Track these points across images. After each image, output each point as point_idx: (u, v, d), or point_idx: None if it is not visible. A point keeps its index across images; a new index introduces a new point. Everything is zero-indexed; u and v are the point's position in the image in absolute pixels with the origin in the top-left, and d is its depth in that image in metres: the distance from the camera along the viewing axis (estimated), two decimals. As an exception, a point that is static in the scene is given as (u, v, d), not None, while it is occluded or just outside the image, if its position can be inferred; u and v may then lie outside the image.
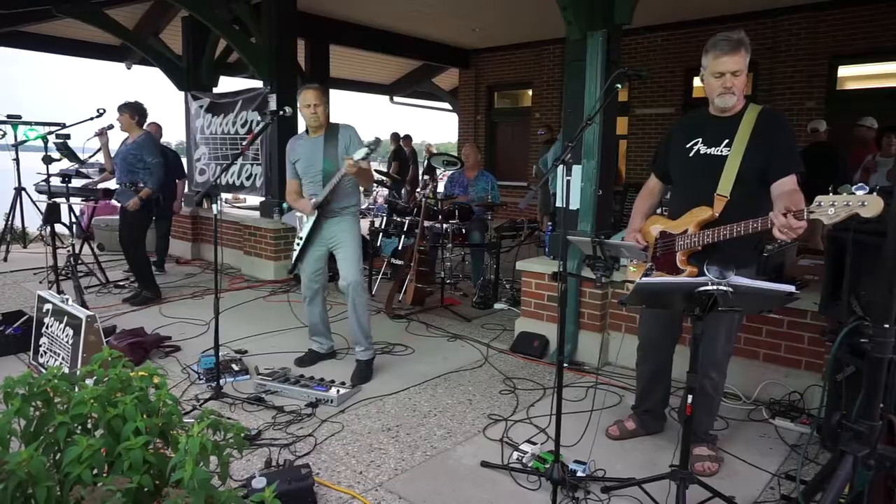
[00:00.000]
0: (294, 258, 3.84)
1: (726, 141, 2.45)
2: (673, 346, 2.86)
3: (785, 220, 2.05)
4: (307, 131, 3.73)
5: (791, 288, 1.96)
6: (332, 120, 3.74)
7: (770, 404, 3.28)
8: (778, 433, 3.02)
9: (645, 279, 2.09)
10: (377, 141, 3.54)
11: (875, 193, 1.89)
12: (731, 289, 1.95)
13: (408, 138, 12.93)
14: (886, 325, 1.70)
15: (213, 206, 3.36)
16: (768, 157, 2.37)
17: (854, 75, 7.76)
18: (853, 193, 1.92)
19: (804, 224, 2.05)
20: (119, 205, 5.30)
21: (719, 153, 2.46)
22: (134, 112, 5.17)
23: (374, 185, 8.40)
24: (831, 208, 1.95)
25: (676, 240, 2.51)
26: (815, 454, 2.78)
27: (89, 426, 1.73)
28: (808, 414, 3.14)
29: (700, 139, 2.53)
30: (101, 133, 5.42)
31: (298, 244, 3.78)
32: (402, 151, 12.52)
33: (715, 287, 1.94)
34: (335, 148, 3.61)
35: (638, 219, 2.76)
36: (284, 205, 3.90)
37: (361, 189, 3.83)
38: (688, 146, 2.56)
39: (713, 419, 2.79)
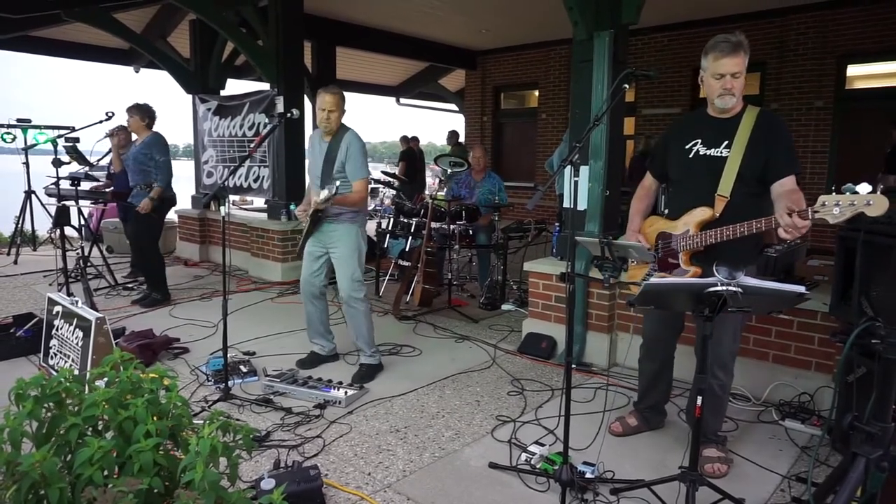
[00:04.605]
0: (300, 244, 3.81)
1: (725, 142, 2.49)
2: (675, 341, 2.90)
3: (790, 219, 2.09)
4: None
5: (801, 288, 1.95)
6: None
7: (780, 406, 3.25)
8: (788, 435, 3.00)
9: (653, 280, 2.08)
10: (337, 189, 3.37)
11: (879, 192, 1.92)
12: (740, 289, 1.93)
13: (415, 139, 12.96)
14: (898, 326, 1.68)
15: (221, 208, 3.37)
16: (767, 158, 2.41)
17: (863, 74, 7.70)
18: (856, 192, 1.94)
19: (809, 223, 2.08)
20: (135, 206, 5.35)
21: (719, 154, 2.50)
22: (144, 114, 5.24)
23: (383, 186, 8.40)
24: (836, 208, 1.97)
25: (678, 240, 2.55)
26: (825, 456, 2.76)
27: (100, 428, 1.74)
28: (819, 415, 3.12)
29: (699, 140, 2.56)
30: (113, 134, 5.46)
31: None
32: (411, 153, 12.53)
33: (724, 288, 1.94)
34: (335, 154, 3.60)
35: (637, 219, 2.81)
36: (292, 206, 3.93)
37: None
38: (687, 147, 2.59)
39: (721, 419, 2.80)
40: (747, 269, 2.42)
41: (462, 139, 11.93)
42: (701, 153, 2.55)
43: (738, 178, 2.43)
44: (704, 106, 2.62)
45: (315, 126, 3.79)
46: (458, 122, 13.28)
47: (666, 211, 2.79)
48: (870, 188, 1.93)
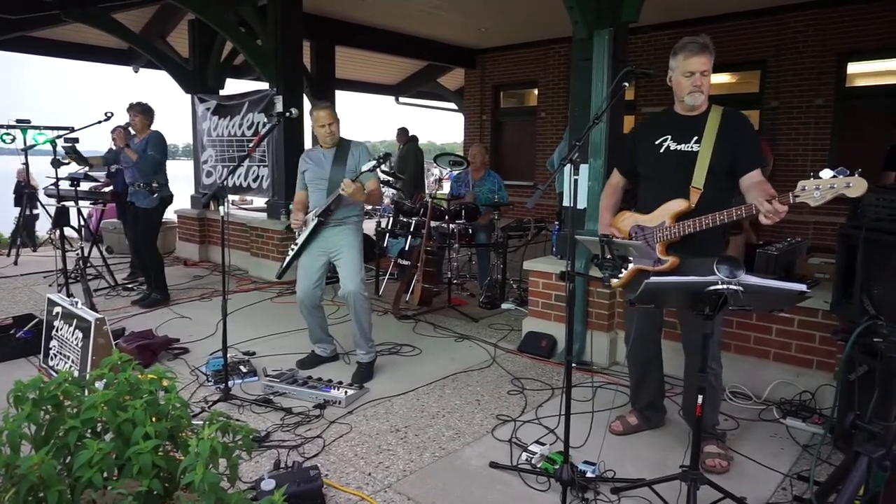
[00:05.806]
0: (285, 263, 3.85)
1: (695, 137, 2.58)
2: (659, 335, 2.96)
3: (770, 205, 2.17)
4: (320, 145, 3.77)
5: (802, 287, 1.94)
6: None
7: (781, 404, 3.25)
8: (789, 433, 3.00)
9: (654, 279, 2.08)
10: (387, 155, 3.61)
11: (857, 175, 1.98)
12: (741, 288, 1.93)
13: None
14: (900, 325, 1.68)
15: (221, 207, 3.37)
16: (735, 153, 2.53)
17: (863, 72, 7.68)
18: (835, 176, 2.00)
19: (786, 209, 2.16)
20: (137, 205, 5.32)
21: (690, 149, 2.59)
22: (148, 115, 5.30)
23: (382, 185, 8.37)
24: (816, 191, 2.04)
25: (654, 232, 2.63)
26: (827, 455, 2.75)
27: (99, 430, 1.74)
28: (820, 414, 3.12)
29: (669, 136, 2.67)
30: (124, 130, 5.44)
31: (293, 249, 3.79)
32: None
33: (726, 286, 1.93)
34: (344, 162, 3.64)
35: (607, 214, 2.90)
36: (291, 206, 3.91)
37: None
38: (657, 143, 2.69)
39: (717, 411, 2.84)
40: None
41: (413, 133, 11.67)
42: (672, 148, 2.65)
43: (710, 172, 2.53)
44: (671, 106, 2.74)
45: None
46: (457, 121, 13.24)
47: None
48: (848, 171, 1.99)
